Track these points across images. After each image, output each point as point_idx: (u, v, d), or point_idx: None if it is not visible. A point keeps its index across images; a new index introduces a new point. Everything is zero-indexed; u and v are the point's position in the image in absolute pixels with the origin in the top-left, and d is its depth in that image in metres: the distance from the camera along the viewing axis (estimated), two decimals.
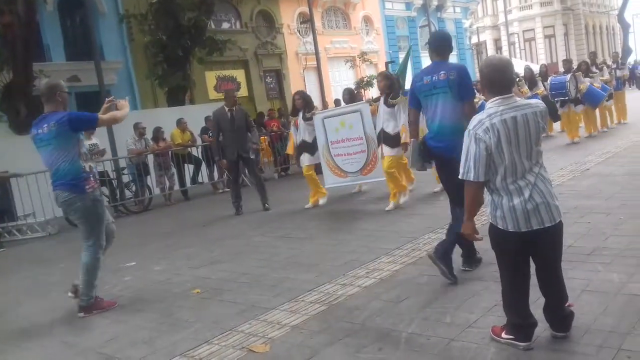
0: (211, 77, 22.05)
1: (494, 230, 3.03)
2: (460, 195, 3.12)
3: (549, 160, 9.75)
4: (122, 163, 12.01)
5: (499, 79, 2.91)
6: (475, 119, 2.90)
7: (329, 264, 5.38)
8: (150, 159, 12.11)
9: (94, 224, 4.95)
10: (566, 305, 3.14)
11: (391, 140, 7.61)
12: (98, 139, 11.38)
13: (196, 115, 13.72)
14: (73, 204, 4.84)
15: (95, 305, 4.99)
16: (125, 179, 11.90)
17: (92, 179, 4.96)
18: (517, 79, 13.08)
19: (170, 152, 12.33)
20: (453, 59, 35.89)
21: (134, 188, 11.80)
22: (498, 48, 49.38)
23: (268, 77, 25.11)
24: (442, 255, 4.30)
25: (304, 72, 26.17)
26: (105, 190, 11.17)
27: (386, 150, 7.69)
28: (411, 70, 13.69)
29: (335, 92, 25.83)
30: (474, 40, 43.47)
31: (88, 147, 10.95)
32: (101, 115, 5.02)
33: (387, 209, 7.54)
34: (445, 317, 3.69)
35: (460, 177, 2.92)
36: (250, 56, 23.75)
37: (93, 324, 4.74)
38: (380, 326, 3.71)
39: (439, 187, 7.94)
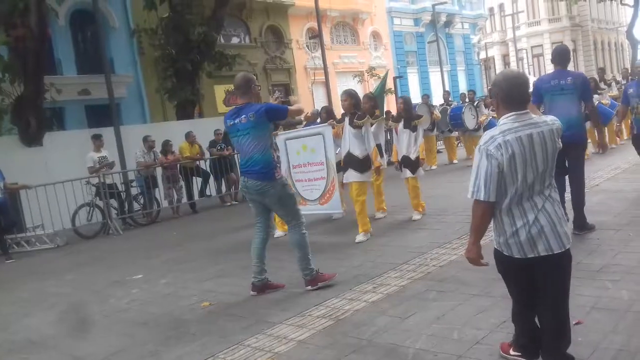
0: (220, 91, 22.19)
1: (499, 256, 2.85)
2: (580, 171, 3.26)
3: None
4: (131, 175, 12.07)
5: (518, 93, 2.72)
6: (487, 135, 2.73)
7: (335, 279, 5.36)
8: (159, 171, 12.19)
9: (289, 205, 5.21)
10: (575, 323, 3.10)
11: (359, 164, 7.03)
12: (107, 151, 11.48)
13: (205, 129, 13.80)
14: (266, 191, 5.06)
15: (318, 278, 5.15)
16: (134, 191, 11.96)
17: (278, 167, 5.44)
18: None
19: (178, 165, 12.40)
20: (461, 74, 36.10)
21: (142, 200, 11.85)
22: (506, 64, 49.46)
23: (276, 91, 25.24)
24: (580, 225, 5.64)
25: (312, 86, 26.30)
26: (114, 202, 11.25)
27: (353, 175, 7.05)
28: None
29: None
30: (482, 55, 43.58)
31: (98, 160, 11.10)
32: (290, 107, 5.28)
33: (356, 240, 6.85)
34: (452, 333, 3.66)
35: (469, 196, 2.73)
36: (259, 71, 23.89)
37: (100, 336, 4.75)
38: (387, 342, 3.69)
39: (418, 216, 7.75)
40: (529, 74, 40.34)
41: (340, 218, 8.51)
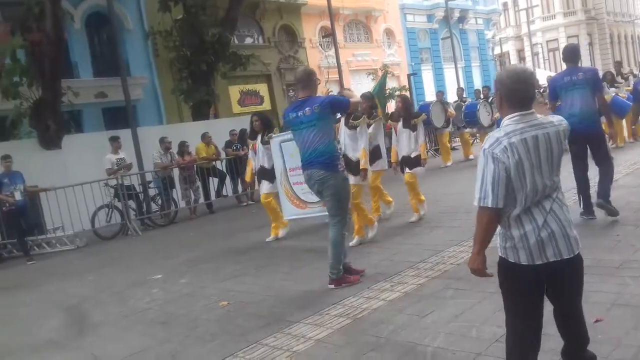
0: (235, 92, 22.27)
1: (504, 265, 2.61)
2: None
3: (572, 173, 9.64)
4: (149, 177, 12.18)
5: (523, 91, 2.55)
6: (492, 137, 2.54)
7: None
8: (176, 172, 12.29)
9: (343, 201, 5.27)
10: (595, 321, 3.06)
11: (354, 166, 6.81)
12: (125, 153, 11.60)
13: (220, 129, 13.88)
14: (327, 181, 5.15)
15: (343, 279, 5.19)
16: (152, 192, 12.07)
17: (342, 160, 5.60)
18: (542, 90, 12.98)
19: (195, 165, 12.49)
20: (476, 70, 35.86)
21: (160, 201, 11.97)
22: (521, 59, 49.02)
23: (290, 91, 25.27)
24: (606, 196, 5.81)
25: (326, 85, 26.31)
26: (132, 203, 11.37)
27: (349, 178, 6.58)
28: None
29: None
30: (497, 51, 43.23)
31: (115, 162, 11.23)
32: (351, 99, 5.48)
33: (351, 244, 6.34)
34: (471, 331, 3.66)
35: (475, 203, 2.53)
36: (273, 70, 23.94)
37: (120, 336, 4.81)
38: (405, 340, 3.70)
39: (415, 216, 7.59)
40: (545, 69, 40.00)
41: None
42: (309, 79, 5.25)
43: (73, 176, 11.13)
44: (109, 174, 11.11)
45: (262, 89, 23.82)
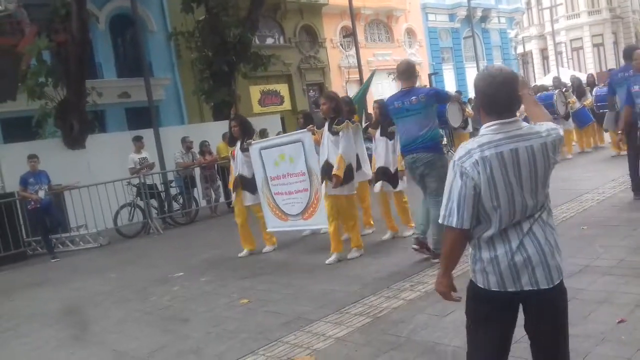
0: (255, 92, 22.38)
1: (472, 289, 2.30)
2: None
3: (599, 171, 9.56)
4: (170, 176, 12.31)
5: (499, 96, 2.19)
6: (463, 148, 2.23)
7: (373, 277, 5.37)
8: (197, 172, 12.41)
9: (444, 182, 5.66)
10: (618, 322, 3.00)
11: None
12: (147, 152, 11.74)
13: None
14: (434, 163, 5.53)
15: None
16: (173, 191, 12.20)
17: (445, 144, 6.34)
18: (564, 89, 12.84)
19: (216, 165, 12.59)
20: None
21: (181, 200, 12.08)
22: (545, 58, 48.43)
23: (311, 91, 25.32)
24: None
25: (347, 85, 26.27)
26: (154, 202, 11.50)
27: (330, 187, 6.30)
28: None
29: None
30: (520, 50, 42.77)
31: (138, 161, 11.36)
32: (450, 93, 6.16)
33: (327, 261, 6.21)
34: None
35: (439, 220, 2.28)
36: (293, 70, 24.00)
37: (142, 333, 4.87)
38: (425, 340, 3.69)
39: (388, 234, 7.11)
40: (569, 68, 39.42)
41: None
42: (410, 71, 5.70)
43: (96, 175, 11.29)
44: (132, 173, 11.25)
45: (282, 89, 23.90)
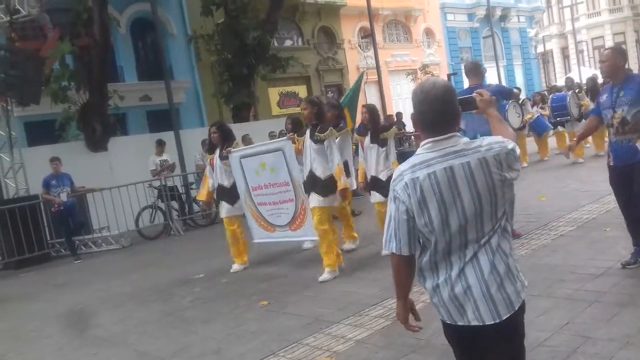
0: (274, 94, 22.47)
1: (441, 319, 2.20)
2: None
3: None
4: (191, 178, 12.41)
5: (432, 112, 2.03)
6: (398, 170, 2.09)
7: (392, 280, 5.35)
8: None
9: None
10: None
11: (321, 186, 5.88)
12: (168, 155, 11.86)
13: (260, 131, 14.01)
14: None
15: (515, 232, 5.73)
16: (194, 193, 12.28)
17: None
18: (578, 90, 12.64)
19: None
20: (518, 69, 35.21)
21: (201, 202, 12.15)
22: (565, 57, 47.86)
23: (329, 92, 25.33)
24: None
25: (365, 86, 26.23)
26: (175, 204, 11.61)
27: (315, 199, 5.91)
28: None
29: (396, 105, 25.81)
30: (540, 49, 42.31)
31: (159, 163, 11.49)
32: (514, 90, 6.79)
33: (320, 279, 5.74)
34: None
35: (383, 248, 2.14)
36: (312, 72, 24.04)
37: (164, 334, 4.93)
38: (444, 343, 3.61)
39: (353, 245, 6.97)
40: (590, 67, 38.90)
41: None
42: (478, 69, 6.25)
43: (118, 177, 11.44)
44: (154, 175, 11.38)
45: (301, 90, 23.96)
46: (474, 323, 2.01)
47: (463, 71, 7.34)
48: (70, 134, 13.71)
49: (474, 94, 2.29)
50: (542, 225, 6.49)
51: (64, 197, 9.85)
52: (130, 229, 10.85)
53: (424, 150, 2.05)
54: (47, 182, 9.89)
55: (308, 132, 6.02)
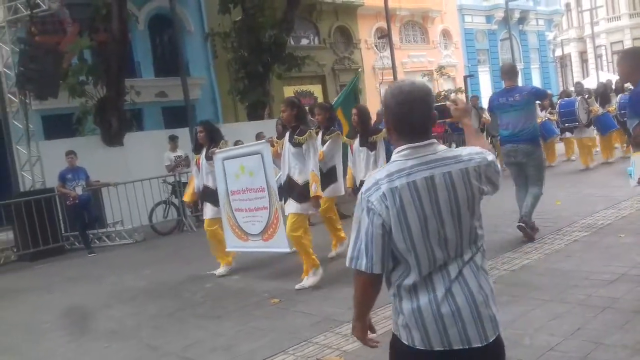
0: (289, 92, 22.49)
1: (395, 346, 1.97)
2: None
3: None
4: None
5: (411, 115, 1.88)
6: (372, 179, 1.90)
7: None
8: None
9: (542, 169, 6.45)
10: None
11: (297, 192, 5.66)
12: (183, 151, 11.93)
13: (274, 129, 14.03)
14: (533, 153, 6.27)
15: (533, 227, 6.27)
16: None
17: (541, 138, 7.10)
18: (587, 95, 12.47)
19: None
20: (536, 72, 34.94)
21: None
22: (584, 61, 47.39)
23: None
24: None
25: (380, 86, 26.21)
26: None
27: (292, 206, 5.68)
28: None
29: None
30: (558, 53, 41.96)
31: (173, 159, 11.55)
32: (548, 92, 6.71)
33: (297, 287, 5.60)
34: (524, 339, 3.59)
35: (347, 264, 1.94)
36: (327, 71, 24.05)
37: (175, 329, 4.96)
38: None
39: (334, 252, 6.80)
40: (608, 71, 38.44)
41: None
42: (514, 71, 6.61)
43: (133, 172, 11.52)
44: (169, 171, 11.45)
45: (316, 89, 23.99)
46: (457, 347, 1.83)
47: (477, 72, 7.31)
48: (87, 128, 13.83)
49: (447, 103, 2.14)
50: (556, 229, 6.45)
51: (79, 190, 9.94)
52: (144, 224, 10.93)
53: (401, 157, 1.89)
54: (63, 175, 10.00)
55: (287, 134, 5.78)
